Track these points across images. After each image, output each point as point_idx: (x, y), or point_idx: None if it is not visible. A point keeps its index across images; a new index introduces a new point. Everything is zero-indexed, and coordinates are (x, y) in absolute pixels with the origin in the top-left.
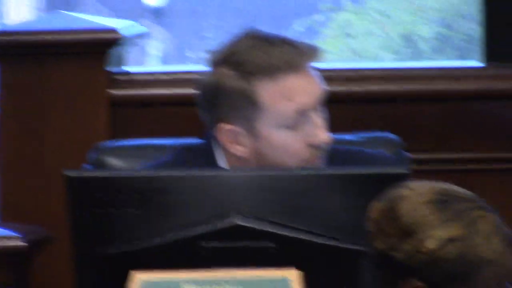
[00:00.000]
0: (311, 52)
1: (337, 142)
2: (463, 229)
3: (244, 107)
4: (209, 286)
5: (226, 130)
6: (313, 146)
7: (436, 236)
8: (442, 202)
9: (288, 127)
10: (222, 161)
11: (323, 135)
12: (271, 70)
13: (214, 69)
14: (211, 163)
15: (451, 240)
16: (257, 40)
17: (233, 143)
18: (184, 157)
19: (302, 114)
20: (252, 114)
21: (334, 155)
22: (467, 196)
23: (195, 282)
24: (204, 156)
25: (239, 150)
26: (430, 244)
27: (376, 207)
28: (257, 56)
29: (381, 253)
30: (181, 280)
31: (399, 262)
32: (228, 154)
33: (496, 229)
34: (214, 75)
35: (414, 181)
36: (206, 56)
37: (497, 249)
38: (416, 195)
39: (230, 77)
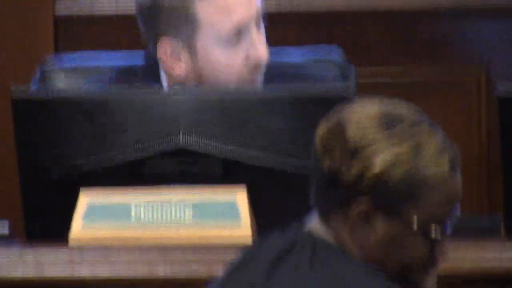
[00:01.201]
0: None
1: (280, 62)
2: (410, 149)
3: (182, 24)
4: (158, 208)
5: (165, 49)
6: (252, 63)
7: (383, 156)
8: (388, 122)
9: (227, 44)
10: (163, 80)
11: (262, 52)
12: None
13: None
14: (155, 83)
15: (397, 160)
16: None
17: (172, 62)
18: (127, 77)
19: (240, 30)
20: (190, 30)
21: (276, 75)
22: (413, 114)
23: (144, 203)
24: (147, 75)
25: (178, 68)
26: (377, 164)
27: (322, 128)
28: None
29: (328, 174)
30: (130, 201)
31: (346, 184)
32: (168, 73)
33: (442, 148)
34: None
35: (360, 100)
36: None
37: (443, 169)
38: (363, 115)
39: None
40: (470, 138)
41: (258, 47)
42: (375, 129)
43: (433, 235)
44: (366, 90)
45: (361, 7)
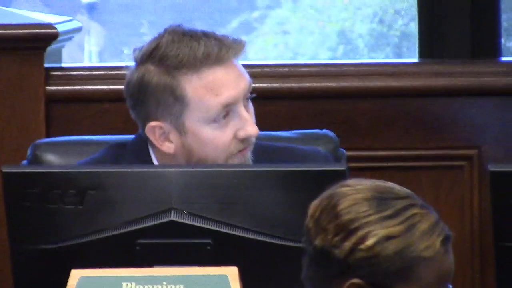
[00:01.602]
0: (235, 45)
1: (270, 138)
2: (401, 226)
3: (170, 103)
4: (149, 283)
5: (154, 128)
6: (241, 140)
7: (375, 233)
8: (380, 199)
9: (215, 122)
10: (153, 158)
11: (251, 128)
12: (195, 64)
13: (138, 66)
14: (144, 159)
15: (389, 237)
16: (180, 35)
17: (161, 140)
18: (117, 153)
19: (229, 108)
20: (178, 110)
21: (266, 152)
22: (405, 193)
23: (135, 279)
24: (137, 152)
25: (167, 146)
26: (369, 241)
27: (315, 204)
28: (180, 50)
29: (321, 250)
30: (121, 277)
31: (338, 259)
32: (158, 151)
33: (433, 227)
34: (139, 72)
35: (352, 179)
36: (131, 53)
37: (434, 247)
38: (355, 192)
39: (154, 73)
40: (462, 218)
41: (247, 124)
42: (366, 206)
43: None
44: (357, 168)
45: (352, 86)
